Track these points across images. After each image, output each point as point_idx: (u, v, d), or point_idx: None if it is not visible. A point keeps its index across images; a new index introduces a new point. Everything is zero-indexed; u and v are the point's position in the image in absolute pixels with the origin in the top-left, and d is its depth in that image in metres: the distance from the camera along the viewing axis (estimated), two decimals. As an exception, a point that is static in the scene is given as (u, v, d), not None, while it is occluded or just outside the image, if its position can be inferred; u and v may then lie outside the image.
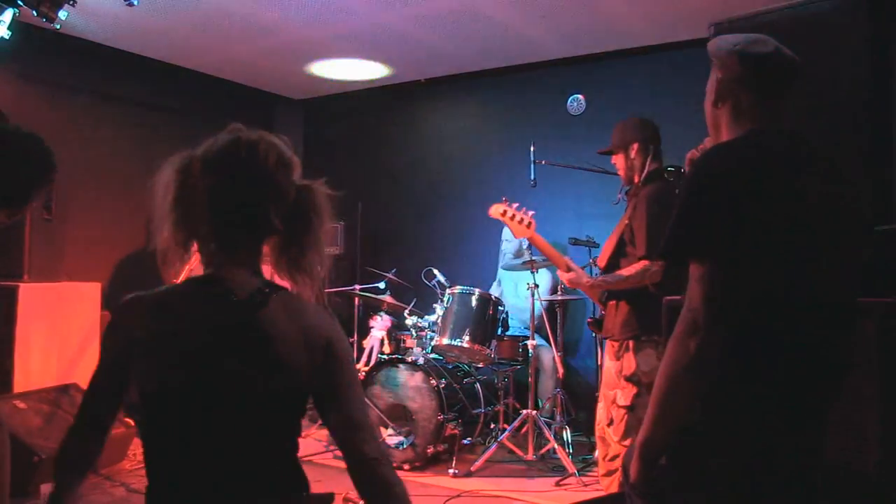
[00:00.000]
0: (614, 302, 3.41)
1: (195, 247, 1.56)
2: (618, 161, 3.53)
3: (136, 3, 4.13)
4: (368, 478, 1.53)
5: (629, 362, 3.31)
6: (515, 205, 3.71)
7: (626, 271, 3.31)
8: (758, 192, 1.59)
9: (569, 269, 3.61)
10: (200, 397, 1.45)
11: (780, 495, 1.63)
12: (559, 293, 5.51)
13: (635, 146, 3.45)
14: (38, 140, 2.36)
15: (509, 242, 5.83)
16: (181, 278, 1.59)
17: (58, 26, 3.93)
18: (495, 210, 3.75)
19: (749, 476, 1.60)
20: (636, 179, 3.50)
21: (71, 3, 3.89)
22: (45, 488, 3.83)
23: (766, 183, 1.60)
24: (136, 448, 4.91)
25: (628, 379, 3.31)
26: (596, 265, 4.97)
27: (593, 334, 5.05)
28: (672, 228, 1.66)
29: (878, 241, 2.40)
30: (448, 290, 5.18)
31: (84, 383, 5.22)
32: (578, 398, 5.90)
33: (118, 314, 1.54)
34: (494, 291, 5.81)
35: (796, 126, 1.81)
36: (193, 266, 1.59)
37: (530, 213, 3.71)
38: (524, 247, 5.78)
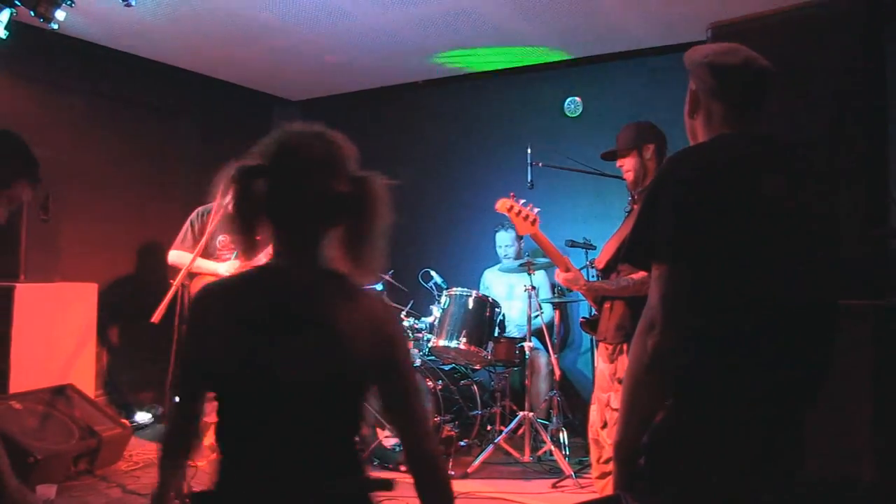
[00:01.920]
0: (609, 304, 3.42)
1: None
2: (626, 163, 3.48)
3: (133, 3, 4.13)
4: (427, 472, 1.66)
5: (623, 365, 3.31)
6: (522, 200, 3.72)
7: (625, 280, 3.30)
8: (717, 195, 1.62)
9: (567, 270, 3.61)
10: (263, 379, 1.51)
11: (753, 496, 1.64)
12: (556, 295, 5.52)
13: (651, 147, 3.42)
14: (14, 135, 2.46)
15: (509, 247, 5.83)
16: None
17: (55, 26, 3.93)
18: (502, 204, 3.75)
19: (718, 476, 1.61)
20: (647, 182, 3.48)
21: (68, 3, 3.89)
22: (42, 489, 3.82)
23: (726, 185, 1.63)
24: (133, 449, 4.91)
25: (622, 382, 3.30)
26: (593, 266, 4.98)
27: (590, 337, 5.05)
28: (632, 233, 1.72)
29: (871, 244, 2.41)
30: (445, 292, 5.19)
31: (80, 384, 5.24)
32: (575, 400, 5.91)
33: (192, 306, 1.63)
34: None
35: (775, 130, 1.83)
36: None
37: (535, 209, 3.71)
38: (514, 251, 5.80)
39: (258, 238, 1.62)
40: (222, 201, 1.60)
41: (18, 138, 2.61)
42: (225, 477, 1.56)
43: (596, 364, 3.63)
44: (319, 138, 1.60)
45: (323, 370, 1.53)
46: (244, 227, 1.60)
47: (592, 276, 4.97)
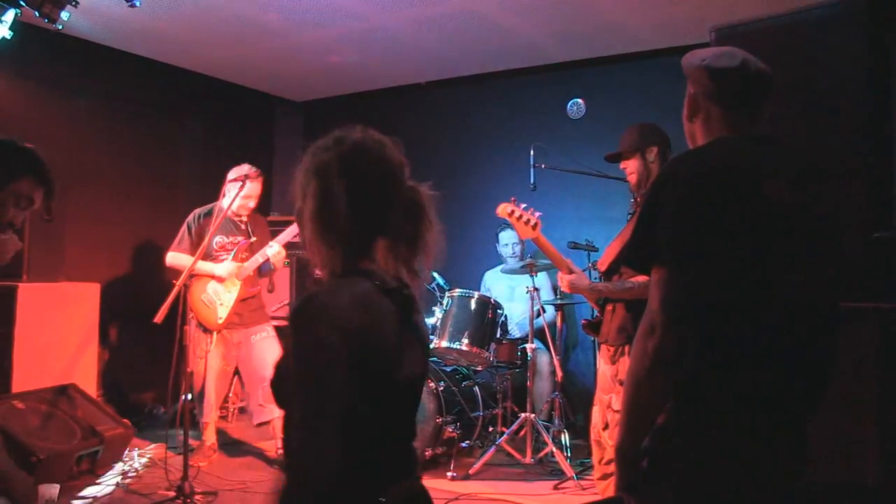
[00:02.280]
0: (611, 306, 3.41)
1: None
2: (629, 165, 3.46)
3: (137, 4, 4.14)
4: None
5: (625, 367, 3.31)
6: (523, 205, 3.70)
7: (629, 283, 3.29)
8: (717, 197, 1.62)
9: (570, 272, 3.60)
10: (408, 386, 1.58)
11: (755, 499, 1.64)
12: (557, 296, 5.51)
13: (655, 150, 3.41)
14: (12, 137, 2.47)
15: (515, 245, 5.83)
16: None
17: (60, 27, 3.94)
18: (503, 209, 3.74)
19: (720, 479, 1.61)
20: (650, 184, 3.48)
21: (73, 3, 3.90)
22: (44, 489, 3.82)
23: (725, 187, 1.63)
24: (133, 448, 4.91)
25: (623, 384, 3.30)
26: (595, 269, 4.98)
27: (592, 339, 5.05)
28: (632, 236, 1.73)
29: (874, 246, 2.41)
30: (447, 293, 5.19)
31: (83, 384, 5.22)
32: (577, 402, 5.91)
33: (335, 312, 1.45)
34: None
35: (777, 132, 1.83)
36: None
37: (537, 213, 3.70)
38: (520, 250, 5.80)
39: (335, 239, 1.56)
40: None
41: (17, 139, 2.60)
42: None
43: (598, 366, 3.63)
44: (390, 144, 1.63)
45: (424, 373, 1.68)
46: (325, 221, 1.54)
47: (595, 278, 4.98)
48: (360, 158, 1.55)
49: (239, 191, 4.58)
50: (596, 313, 3.58)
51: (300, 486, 1.43)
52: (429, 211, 1.63)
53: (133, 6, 4.24)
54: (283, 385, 1.50)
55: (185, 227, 4.90)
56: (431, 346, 5.04)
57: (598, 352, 4.83)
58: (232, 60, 6.30)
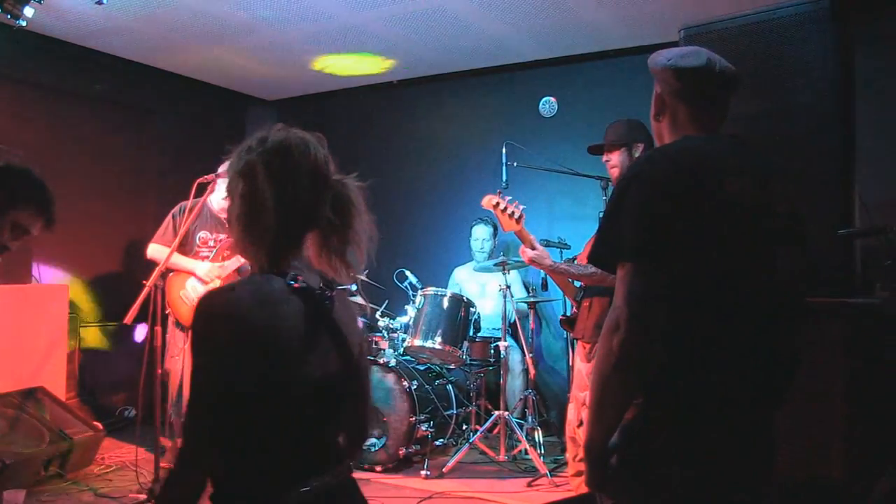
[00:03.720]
0: (587, 302, 3.43)
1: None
2: (613, 158, 3.45)
3: (104, 1, 4.09)
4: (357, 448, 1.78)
5: None
6: (507, 197, 3.71)
7: (592, 266, 3.28)
8: (682, 194, 1.64)
9: (533, 248, 3.58)
10: (299, 385, 1.52)
11: (724, 494, 1.66)
12: (531, 294, 5.54)
13: (641, 147, 3.41)
14: (20, 164, 2.42)
15: (486, 241, 5.84)
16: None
17: (23, 23, 3.88)
18: (487, 201, 3.74)
19: (689, 474, 1.63)
20: (616, 182, 3.49)
21: (37, 0, 3.84)
22: (9, 495, 3.77)
23: (691, 185, 1.66)
24: (104, 452, 4.85)
25: (590, 382, 3.31)
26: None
27: (565, 335, 5.08)
28: (597, 233, 1.76)
29: (841, 243, 2.45)
30: (420, 292, 5.18)
31: (52, 386, 5.14)
32: (550, 399, 5.94)
33: (227, 309, 1.49)
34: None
35: (744, 130, 1.86)
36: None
37: (521, 207, 3.70)
38: (490, 246, 5.82)
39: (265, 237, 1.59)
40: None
41: (26, 167, 2.55)
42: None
43: (573, 363, 3.65)
44: (314, 140, 1.63)
45: (346, 377, 1.61)
46: (252, 219, 1.57)
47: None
48: (283, 156, 1.57)
49: (212, 187, 4.45)
50: (572, 309, 3.59)
51: (176, 472, 1.50)
52: (357, 202, 1.64)
53: (100, 3, 4.19)
54: None
55: (169, 218, 4.75)
56: (404, 344, 5.04)
57: (571, 349, 4.88)
58: (203, 59, 6.24)
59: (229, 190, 1.60)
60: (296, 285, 1.52)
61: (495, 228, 5.86)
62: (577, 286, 3.56)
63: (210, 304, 1.48)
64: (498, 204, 3.68)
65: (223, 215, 4.82)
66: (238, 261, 4.72)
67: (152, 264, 4.38)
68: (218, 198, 4.74)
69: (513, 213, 3.65)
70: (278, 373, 1.48)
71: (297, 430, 1.54)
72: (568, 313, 4.96)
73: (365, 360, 1.74)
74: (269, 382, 1.48)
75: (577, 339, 3.53)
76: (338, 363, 1.59)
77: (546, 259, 3.53)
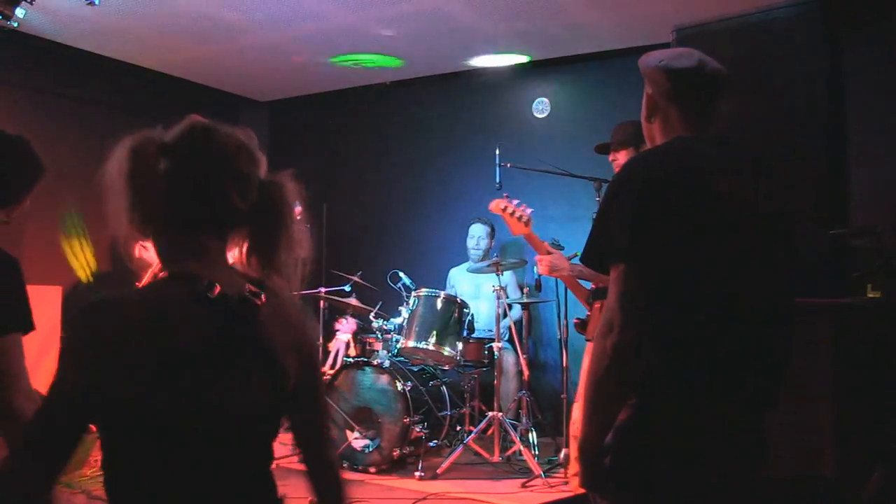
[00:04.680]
0: (599, 304, 3.42)
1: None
2: (620, 157, 3.40)
3: (97, 2, 4.07)
4: (329, 481, 1.54)
5: None
6: (515, 201, 3.72)
7: None
8: (673, 195, 1.65)
9: (548, 253, 3.56)
10: (195, 416, 1.28)
11: (717, 494, 1.66)
12: (524, 295, 5.54)
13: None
14: (26, 142, 2.35)
15: (482, 239, 5.84)
16: (145, 279, 1.61)
17: (15, 24, 3.87)
18: (496, 205, 3.74)
19: (682, 474, 1.64)
20: (609, 184, 3.49)
21: (29, 0, 3.83)
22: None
23: (682, 186, 1.66)
24: (97, 455, 4.83)
25: (585, 382, 3.32)
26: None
27: (559, 336, 5.09)
28: (589, 235, 1.76)
29: (832, 243, 2.46)
30: (414, 293, 5.18)
31: (44, 389, 5.13)
32: (544, 401, 5.94)
33: (89, 321, 1.29)
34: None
35: (736, 131, 1.86)
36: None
37: (529, 210, 3.70)
38: (486, 245, 5.82)
39: (149, 233, 1.42)
40: (114, 179, 1.42)
41: (34, 150, 2.47)
42: None
43: (584, 363, 3.65)
44: (228, 130, 1.44)
45: (266, 398, 1.37)
46: (140, 209, 1.38)
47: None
48: (183, 148, 1.39)
49: None
50: (587, 312, 3.57)
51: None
52: (288, 202, 1.46)
53: (92, 4, 4.18)
54: None
55: None
56: (398, 345, 5.03)
57: (565, 350, 4.89)
58: (195, 60, 6.23)
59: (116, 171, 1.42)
60: (214, 292, 1.32)
61: (492, 228, 5.87)
62: (588, 288, 3.55)
63: (83, 311, 1.29)
64: (506, 208, 3.69)
65: None
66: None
67: (143, 265, 4.36)
68: None
69: (521, 216, 3.65)
70: (156, 399, 1.24)
71: (190, 470, 1.29)
72: (562, 315, 4.99)
73: (313, 379, 1.52)
74: (140, 410, 1.24)
75: (588, 341, 3.53)
76: (259, 390, 1.36)
77: (564, 262, 3.50)
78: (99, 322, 1.27)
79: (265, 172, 1.47)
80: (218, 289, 1.33)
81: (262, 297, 1.39)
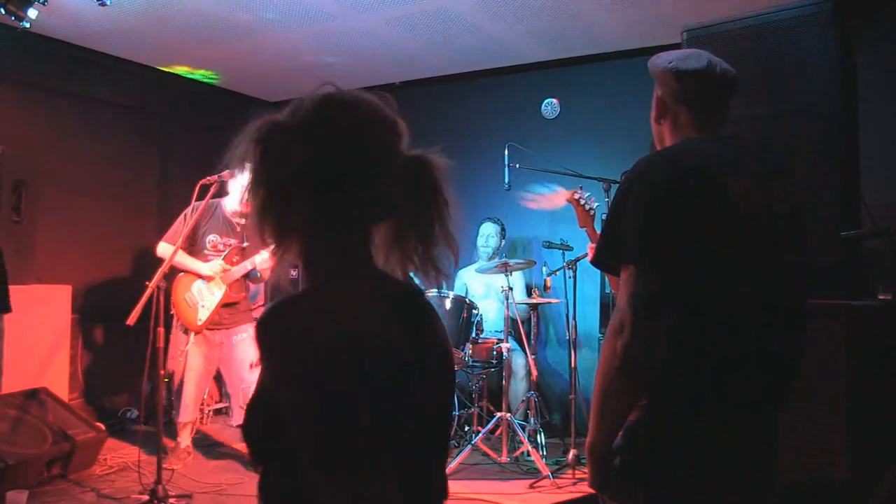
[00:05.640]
0: None
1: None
2: None
3: (108, 2, 4.09)
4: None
5: None
6: (587, 193, 3.76)
7: None
8: (684, 196, 1.64)
9: None
10: (417, 418, 1.16)
11: (727, 495, 1.66)
12: (534, 296, 5.54)
13: None
14: None
15: (482, 237, 5.85)
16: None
17: (27, 25, 3.89)
18: (570, 195, 3.81)
19: (692, 476, 1.63)
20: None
21: (41, 1, 3.85)
22: (12, 496, 3.77)
23: (693, 187, 1.66)
24: (107, 453, 4.86)
25: (594, 383, 3.33)
26: (569, 268, 5.02)
27: (567, 338, 5.08)
28: (600, 236, 1.76)
29: (844, 245, 2.44)
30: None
31: (54, 387, 5.15)
32: (552, 401, 5.94)
33: (318, 324, 1.09)
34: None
35: (747, 132, 1.86)
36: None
37: (596, 204, 3.77)
38: (495, 244, 5.82)
39: (290, 233, 1.21)
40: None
41: None
42: None
43: (574, 364, 3.65)
44: (370, 100, 1.24)
45: (447, 399, 1.28)
46: (273, 207, 1.19)
47: (569, 279, 5.01)
48: (320, 126, 1.20)
49: (217, 189, 4.38)
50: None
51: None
52: (435, 186, 1.25)
53: (104, 4, 4.20)
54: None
55: (180, 218, 4.72)
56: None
57: (574, 351, 4.89)
58: (205, 60, 6.24)
59: (252, 181, 1.21)
60: (392, 289, 1.20)
61: (503, 228, 5.87)
62: None
63: (284, 326, 1.10)
64: (580, 198, 3.74)
65: (236, 220, 4.82)
66: (245, 267, 4.70)
67: (156, 264, 4.38)
68: (231, 201, 4.74)
69: (590, 208, 3.70)
70: (394, 399, 1.11)
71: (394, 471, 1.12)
72: (571, 316, 4.99)
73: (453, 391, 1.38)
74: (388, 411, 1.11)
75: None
76: (443, 391, 1.25)
77: None
78: (330, 324, 1.09)
79: (408, 147, 1.28)
80: (396, 287, 1.21)
81: (422, 298, 1.25)
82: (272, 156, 1.18)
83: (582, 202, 3.73)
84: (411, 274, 1.27)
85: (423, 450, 1.20)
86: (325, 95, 1.22)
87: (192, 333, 4.73)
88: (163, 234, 4.77)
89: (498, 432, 4.96)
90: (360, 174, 1.19)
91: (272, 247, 1.22)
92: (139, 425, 5.36)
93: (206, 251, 4.76)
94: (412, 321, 1.19)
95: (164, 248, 4.67)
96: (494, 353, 5.11)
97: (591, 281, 5.51)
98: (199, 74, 6.60)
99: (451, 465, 4.67)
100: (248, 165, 1.20)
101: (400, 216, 1.22)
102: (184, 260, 4.61)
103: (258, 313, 5.94)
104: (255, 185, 1.19)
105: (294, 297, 1.13)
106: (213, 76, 6.67)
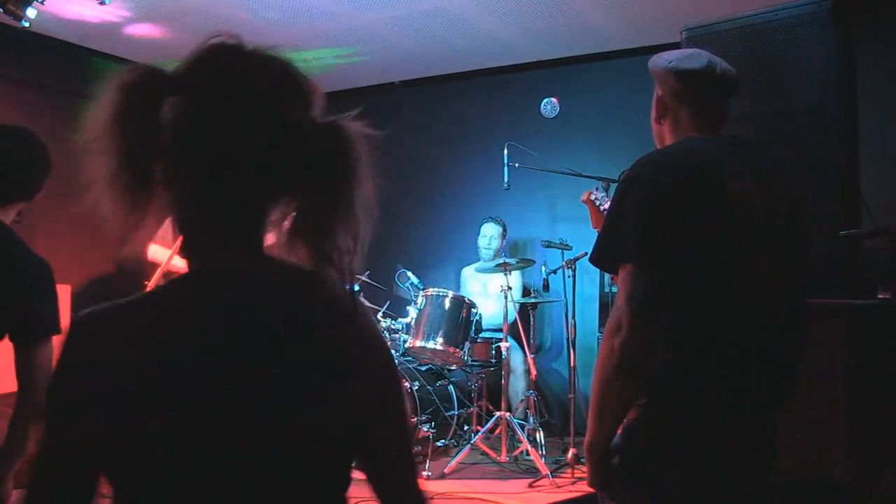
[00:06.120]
0: None
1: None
2: None
3: (107, 1, 4.09)
4: None
5: None
6: (603, 194, 3.76)
7: None
8: (683, 195, 1.64)
9: None
10: (209, 459, 0.93)
11: (726, 495, 1.66)
12: (532, 296, 5.54)
13: None
14: (29, 133, 2.35)
15: (484, 238, 5.84)
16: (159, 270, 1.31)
17: (26, 24, 3.88)
18: (587, 195, 3.81)
19: (691, 475, 1.63)
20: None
21: (39, 0, 3.84)
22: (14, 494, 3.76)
23: (692, 185, 1.66)
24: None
25: (592, 382, 3.33)
26: (569, 267, 5.02)
27: (566, 337, 5.09)
28: (599, 235, 1.75)
29: (844, 244, 2.44)
30: (422, 293, 5.18)
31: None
32: (551, 400, 5.94)
33: (72, 344, 0.99)
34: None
35: (746, 131, 1.86)
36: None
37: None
38: (497, 244, 5.81)
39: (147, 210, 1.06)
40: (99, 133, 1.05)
41: (39, 138, 2.44)
42: None
43: (573, 363, 3.65)
44: (270, 55, 1.03)
45: (306, 429, 0.98)
46: (133, 177, 1.02)
47: (568, 278, 5.02)
48: (197, 84, 1.03)
49: None
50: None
51: None
52: (347, 160, 1.04)
53: (102, 3, 4.19)
54: None
55: (169, 220, 4.74)
56: (405, 345, 5.03)
57: (573, 350, 4.88)
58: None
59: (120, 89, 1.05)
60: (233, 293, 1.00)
61: (504, 228, 5.87)
62: None
63: (68, 328, 1.03)
64: (595, 199, 3.74)
65: None
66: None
67: (156, 265, 4.37)
68: None
69: (605, 210, 3.71)
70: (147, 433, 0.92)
71: None
72: (570, 315, 4.99)
73: (391, 414, 1.11)
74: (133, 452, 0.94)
75: None
76: (264, 424, 0.96)
77: None
78: (79, 343, 0.99)
79: (321, 114, 1.08)
80: (232, 290, 0.99)
81: (306, 292, 1.02)
82: (137, 107, 1.00)
83: (597, 203, 3.72)
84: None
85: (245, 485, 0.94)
86: (215, 46, 1.02)
87: None
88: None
89: (497, 431, 4.96)
90: (246, 141, 0.97)
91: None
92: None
93: None
94: (240, 335, 0.96)
95: (153, 251, 4.68)
96: (493, 352, 5.11)
97: (590, 280, 5.51)
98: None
99: (451, 465, 4.67)
100: (105, 119, 1.03)
101: (301, 194, 1.01)
102: (178, 262, 4.61)
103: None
104: (109, 142, 1.02)
105: (95, 310, 1.01)
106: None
